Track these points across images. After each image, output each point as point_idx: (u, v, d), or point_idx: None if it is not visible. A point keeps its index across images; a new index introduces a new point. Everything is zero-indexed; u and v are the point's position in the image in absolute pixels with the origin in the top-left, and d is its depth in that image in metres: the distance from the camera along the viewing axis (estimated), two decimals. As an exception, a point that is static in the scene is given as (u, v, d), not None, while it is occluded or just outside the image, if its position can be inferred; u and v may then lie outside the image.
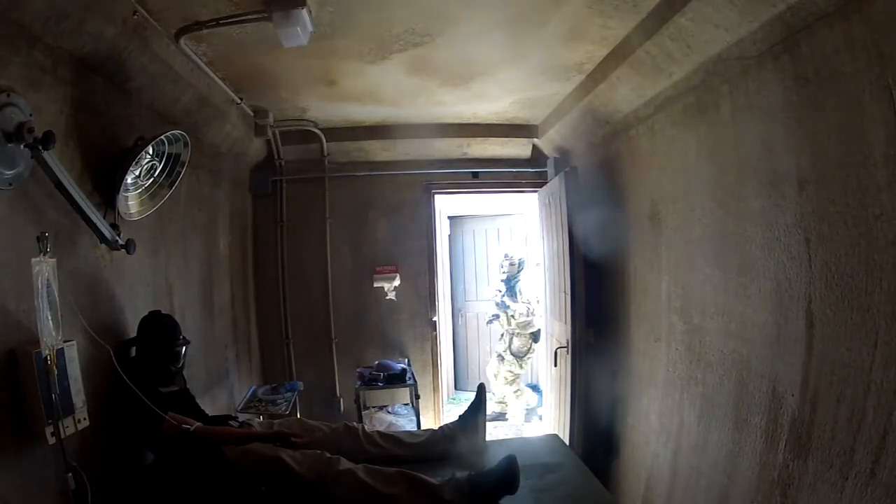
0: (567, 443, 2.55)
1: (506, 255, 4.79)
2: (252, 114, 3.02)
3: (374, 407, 3.54)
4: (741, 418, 1.73)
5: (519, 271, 4.71)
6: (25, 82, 1.41)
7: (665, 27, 1.78)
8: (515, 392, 4.64)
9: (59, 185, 1.47)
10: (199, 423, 1.79)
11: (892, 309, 1.18)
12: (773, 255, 1.58)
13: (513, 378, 4.63)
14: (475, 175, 3.94)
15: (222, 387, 3.00)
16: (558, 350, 3.11)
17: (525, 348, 4.62)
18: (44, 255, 1.37)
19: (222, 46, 2.13)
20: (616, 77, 2.29)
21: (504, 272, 4.73)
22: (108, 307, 1.85)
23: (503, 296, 4.64)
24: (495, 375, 4.67)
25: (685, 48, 1.81)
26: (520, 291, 4.61)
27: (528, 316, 4.55)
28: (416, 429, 3.14)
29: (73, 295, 1.53)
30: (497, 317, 4.72)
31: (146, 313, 1.94)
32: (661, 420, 2.32)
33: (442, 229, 4.90)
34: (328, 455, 1.69)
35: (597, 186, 2.95)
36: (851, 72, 1.26)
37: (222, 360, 3.05)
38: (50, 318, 1.36)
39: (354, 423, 2.02)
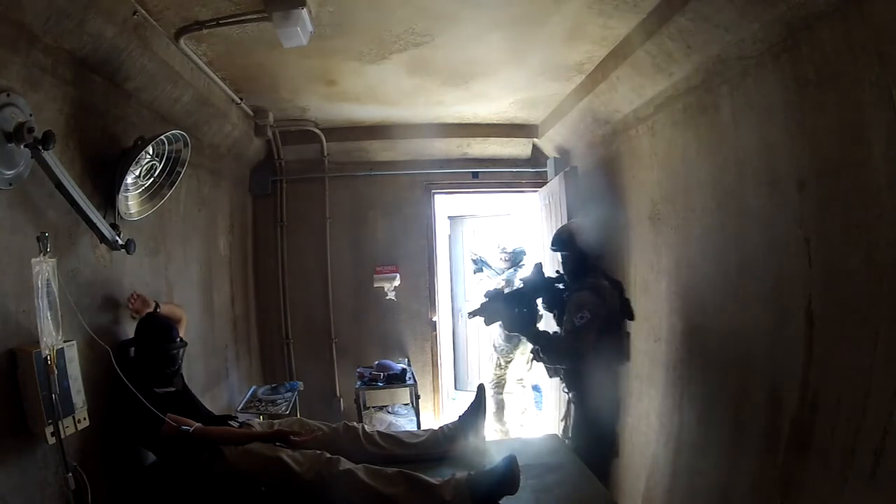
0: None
1: (501, 249, 4.16)
2: (252, 114, 3.02)
3: (374, 407, 3.54)
4: (741, 418, 1.73)
5: (517, 265, 4.08)
6: (25, 82, 1.41)
7: (665, 27, 1.78)
8: (495, 398, 3.88)
9: (59, 185, 1.46)
10: (198, 424, 1.79)
11: (892, 309, 1.18)
12: (773, 255, 1.58)
13: (496, 380, 3.97)
14: (475, 175, 3.94)
15: (222, 387, 3.00)
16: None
17: (509, 343, 3.79)
18: (44, 255, 1.37)
19: (222, 46, 2.13)
20: (616, 77, 2.29)
21: (502, 268, 4.10)
22: (108, 307, 1.85)
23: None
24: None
25: (685, 48, 1.81)
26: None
27: None
28: (416, 429, 3.14)
29: (73, 295, 1.53)
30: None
31: (144, 315, 1.94)
32: (661, 420, 2.32)
33: (442, 229, 4.88)
34: (328, 455, 1.69)
35: (597, 186, 2.94)
36: (851, 72, 1.26)
37: (222, 360, 3.05)
38: (50, 318, 1.36)
39: (354, 423, 2.02)
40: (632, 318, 2.21)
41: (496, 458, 1.69)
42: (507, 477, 1.57)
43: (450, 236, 5.53)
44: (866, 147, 1.23)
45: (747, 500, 1.67)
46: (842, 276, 1.32)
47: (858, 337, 1.26)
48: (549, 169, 3.55)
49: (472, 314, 2.22)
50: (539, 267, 2.33)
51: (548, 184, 3.48)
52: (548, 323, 2.44)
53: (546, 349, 2.09)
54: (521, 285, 2.35)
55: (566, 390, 2.22)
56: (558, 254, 2.30)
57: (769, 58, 1.55)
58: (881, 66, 1.17)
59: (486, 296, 2.24)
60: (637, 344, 2.60)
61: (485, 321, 2.20)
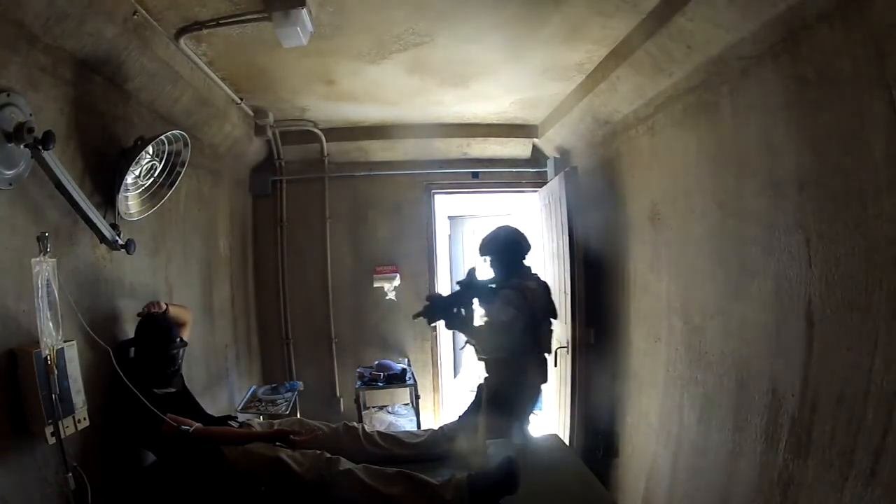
0: (567, 443, 2.55)
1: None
2: (252, 114, 3.02)
3: (374, 407, 3.54)
4: (741, 418, 1.73)
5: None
6: (25, 82, 1.41)
7: (665, 27, 1.78)
8: None
9: (59, 185, 1.46)
10: (198, 424, 1.79)
11: (892, 309, 1.18)
12: (773, 255, 1.58)
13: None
14: (475, 175, 3.94)
15: (222, 387, 3.00)
16: (558, 350, 3.11)
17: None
18: (44, 255, 1.37)
19: (222, 46, 2.13)
20: (616, 77, 2.29)
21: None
22: (108, 307, 1.85)
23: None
24: None
25: (685, 48, 1.81)
26: None
27: None
28: (416, 429, 3.14)
29: (73, 295, 1.53)
30: None
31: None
32: (661, 420, 2.32)
33: (442, 229, 4.87)
34: (328, 455, 1.69)
35: (597, 186, 2.95)
36: (851, 72, 1.26)
37: (222, 361, 3.04)
38: (50, 318, 1.36)
39: (354, 423, 2.02)
40: (555, 317, 2.43)
41: (496, 458, 1.69)
42: (507, 477, 1.57)
43: (450, 236, 5.54)
44: (866, 147, 1.23)
45: (747, 500, 1.67)
46: (842, 276, 1.32)
47: (858, 337, 1.26)
48: (550, 169, 3.55)
49: (416, 316, 2.40)
50: (472, 271, 2.50)
51: (548, 184, 3.48)
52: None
53: (480, 342, 2.36)
54: (458, 288, 2.49)
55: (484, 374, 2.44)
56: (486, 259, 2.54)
57: (769, 58, 1.55)
58: (881, 66, 1.17)
59: (427, 299, 2.43)
60: (637, 343, 2.60)
61: (427, 321, 2.39)
